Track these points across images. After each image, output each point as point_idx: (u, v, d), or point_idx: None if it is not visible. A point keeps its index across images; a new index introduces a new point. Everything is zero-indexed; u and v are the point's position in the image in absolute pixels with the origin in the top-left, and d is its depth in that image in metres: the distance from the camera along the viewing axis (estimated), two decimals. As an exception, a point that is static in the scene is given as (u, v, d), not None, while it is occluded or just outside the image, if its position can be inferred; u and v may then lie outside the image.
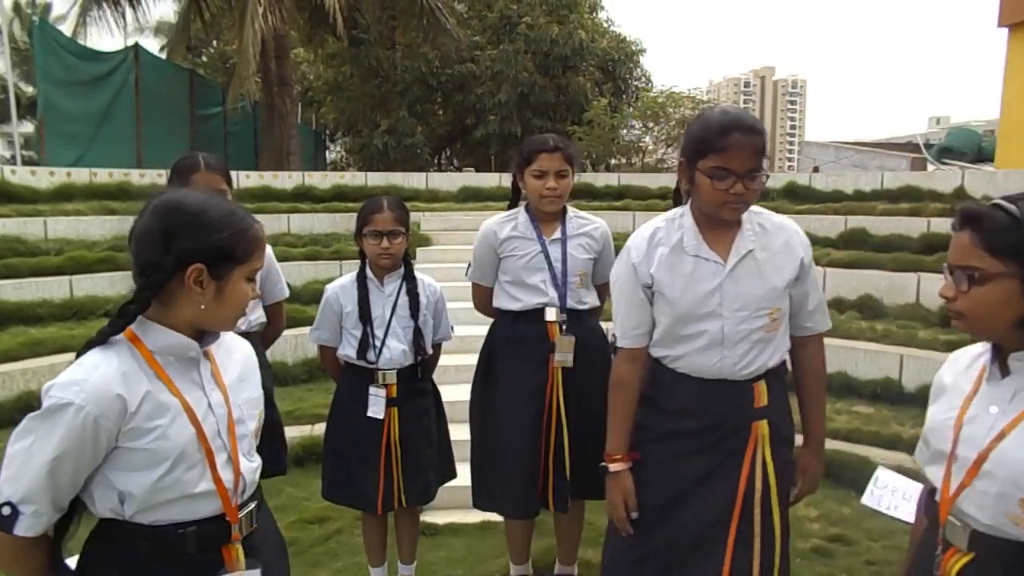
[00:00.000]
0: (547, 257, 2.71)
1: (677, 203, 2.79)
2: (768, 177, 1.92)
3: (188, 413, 1.32)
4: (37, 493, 1.24)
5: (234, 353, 1.51)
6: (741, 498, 1.93)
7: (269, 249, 2.80)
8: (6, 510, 1.24)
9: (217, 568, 1.37)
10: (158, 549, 1.32)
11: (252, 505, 1.44)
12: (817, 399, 2.12)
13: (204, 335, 1.40)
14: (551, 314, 2.69)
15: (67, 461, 1.24)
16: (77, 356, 1.32)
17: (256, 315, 2.75)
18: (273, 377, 3.03)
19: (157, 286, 1.31)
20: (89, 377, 1.25)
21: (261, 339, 2.84)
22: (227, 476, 1.37)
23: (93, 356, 1.30)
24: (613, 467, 2.03)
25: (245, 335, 2.64)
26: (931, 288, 5.70)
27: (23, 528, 1.25)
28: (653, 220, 2.06)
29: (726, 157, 1.81)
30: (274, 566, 1.51)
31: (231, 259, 1.34)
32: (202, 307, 1.33)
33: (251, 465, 1.45)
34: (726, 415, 1.94)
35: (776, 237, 1.98)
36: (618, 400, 2.06)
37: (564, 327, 2.68)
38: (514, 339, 2.74)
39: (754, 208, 1.98)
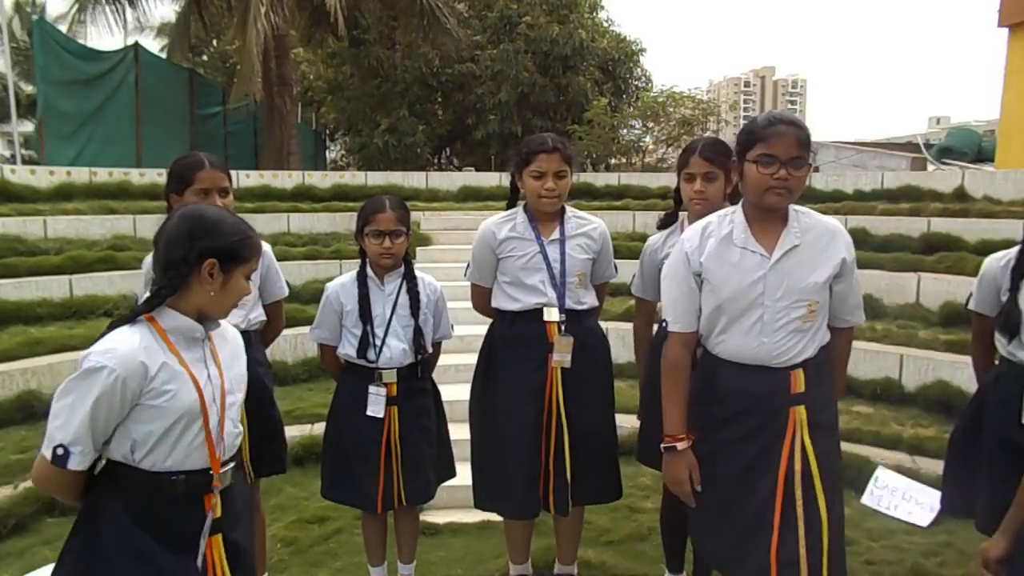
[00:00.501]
0: (545, 258, 2.71)
1: (677, 205, 2.82)
2: (811, 168, 2.11)
3: (193, 382, 1.67)
4: (82, 436, 1.59)
5: (227, 335, 1.86)
6: (783, 483, 2.06)
7: (269, 248, 2.81)
8: (60, 451, 1.59)
9: (199, 512, 1.70)
10: (155, 489, 1.66)
11: (231, 464, 1.78)
12: (838, 382, 2.31)
13: (205, 321, 1.74)
14: (550, 314, 2.69)
15: (102, 411, 1.58)
16: (109, 328, 1.65)
17: (256, 314, 2.75)
18: (273, 376, 3.01)
19: (184, 276, 1.67)
20: (119, 347, 1.60)
21: (261, 338, 2.83)
22: (216, 436, 1.71)
23: (122, 331, 1.64)
24: (679, 445, 2.15)
25: (245, 333, 2.65)
26: (931, 288, 5.70)
27: (74, 464, 1.60)
28: (707, 216, 2.26)
29: (770, 144, 2.01)
30: (244, 521, 1.86)
31: (238, 258, 1.72)
32: (211, 294, 1.70)
33: (235, 431, 1.80)
34: (763, 398, 2.09)
35: (821, 236, 2.14)
36: (672, 383, 2.21)
37: (563, 327, 2.68)
38: (513, 339, 2.74)
39: (801, 209, 2.17)
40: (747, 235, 2.11)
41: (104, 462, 1.69)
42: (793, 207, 2.14)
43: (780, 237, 2.09)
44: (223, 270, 1.69)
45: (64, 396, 1.58)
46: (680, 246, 2.21)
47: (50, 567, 2.48)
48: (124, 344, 1.60)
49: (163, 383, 1.62)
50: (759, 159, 2.02)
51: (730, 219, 2.17)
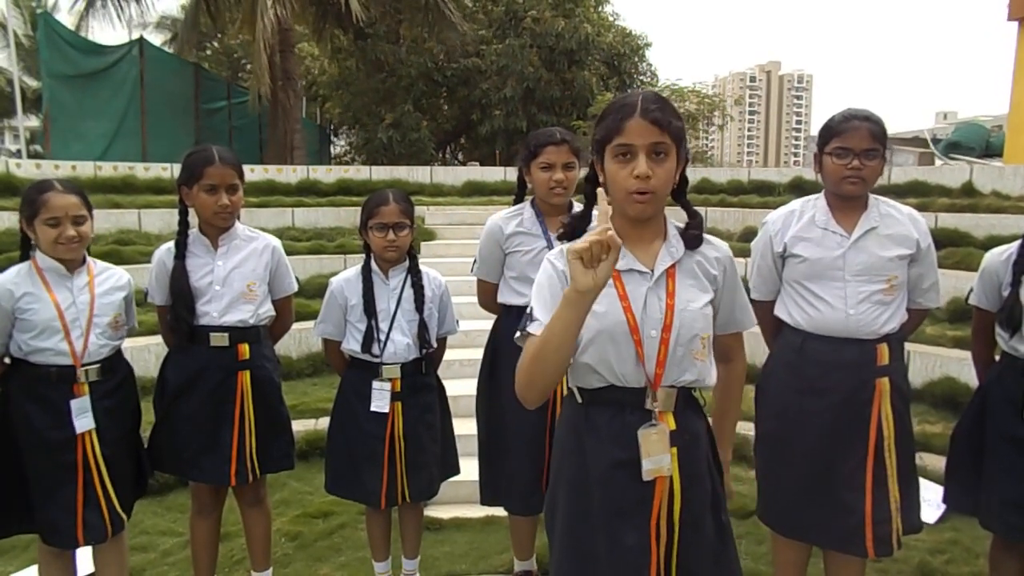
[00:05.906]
0: None
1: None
2: (884, 160, 2.30)
3: (54, 303, 2.41)
4: None
5: (112, 276, 2.58)
6: (874, 447, 2.26)
7: (279, 244, 2.81)
8: None
9: (68, 395, 2.40)
10: (37, 376, 2.41)
11: (97, 366, 2.46)
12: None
13: (71, 262, 2.46)
14: None
15: None
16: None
17: (265, 309, 2.73)
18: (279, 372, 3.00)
19: (25, 235, 2.48)
20: None
21: (269, 333, 2.82)
22: (78, 344, 2.42)
23: (12, 268, 2.45)
24: None
25: (254, 328, 2.65)
26: (939, 283, 5.66)
27: None
28: (791, 202, 2.49)
29: (845, 138, 2.25)
30: (123, 412, 2.57)
31: (32, 216, 2.39)
32: (36, 244, 2.44)
33: (99, 343, 2.47)
34: (853, 369, 2.27)
35: (898, 221, 2.35)
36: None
37: None
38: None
39: (882, 198, 2.38)
40: (828, 218, 2.33)
41: (10, 356, 2.45)
42: (874, 196, 2.35)
43: (860, 219, 2.30)
44: (31, 227, 2.41)
45: None
46: (765, 229, 2.46)
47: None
48: (3, 277, 2.41)
49: (27, 303, 2.39)
50: (835, 151, 2.25)
51: (813, 204, 2.40)
